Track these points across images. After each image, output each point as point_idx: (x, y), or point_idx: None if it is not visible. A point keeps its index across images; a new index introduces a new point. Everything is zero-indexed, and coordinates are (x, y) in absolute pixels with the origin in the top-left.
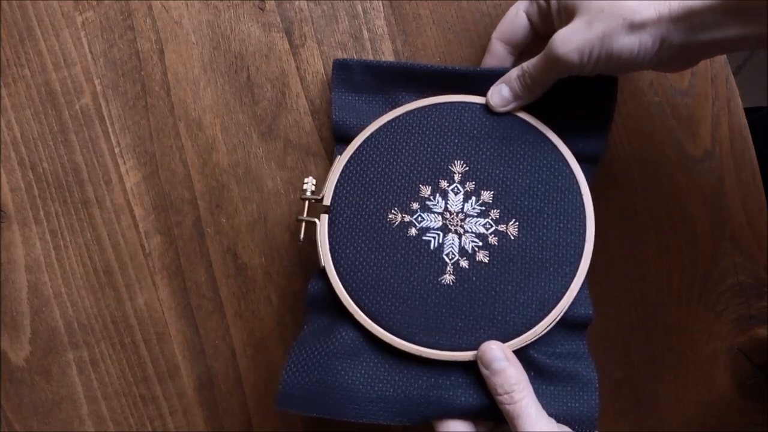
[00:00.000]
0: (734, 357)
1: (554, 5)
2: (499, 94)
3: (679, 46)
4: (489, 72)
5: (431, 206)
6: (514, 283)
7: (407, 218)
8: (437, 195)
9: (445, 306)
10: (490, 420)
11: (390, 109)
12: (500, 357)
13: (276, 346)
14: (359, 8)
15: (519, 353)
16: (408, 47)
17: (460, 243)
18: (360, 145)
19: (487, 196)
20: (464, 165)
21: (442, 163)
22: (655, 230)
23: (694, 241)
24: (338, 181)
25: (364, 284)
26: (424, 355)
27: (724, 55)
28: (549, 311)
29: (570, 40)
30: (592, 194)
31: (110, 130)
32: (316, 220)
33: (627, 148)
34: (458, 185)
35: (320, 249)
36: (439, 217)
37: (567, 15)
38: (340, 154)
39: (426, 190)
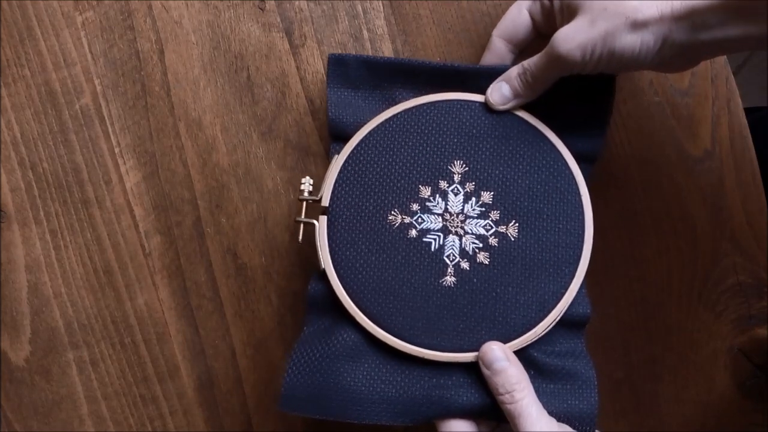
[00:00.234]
0: (734, 357)
1: (557, 3)
2: (499, 92)
3: (681, 46)
4: (488, 69)
5: (431, 207)
6: (514, 284)
7: (407, 220)
8: (437, 196)
9: (446, 308)
10: (491, 419)
11: (387, 106)
12: (501, 357)
13: (276, 346)
14: (359, 8)
15: (519, 353)
16: (408, 47)
17: (460, 244)
18: (358, 144)
19: (487, 197)
20: (464, 165)
21: (442, 163)
22: (655, 230)
23: (694, 241)
24: (336, 181)
25: (366, 287)
26: (426, 356)
27: (725, 56)
28: (549, 312)
29: (572, 38)
30: (591, 194)
31: (110, 130)
32: (315, 221)
33: (627, 148)
34: (458, 186)
35: (320, 251)
36: (440, 219)
37: (569, 13)
38: (337, 152)
39: (426, 191)
